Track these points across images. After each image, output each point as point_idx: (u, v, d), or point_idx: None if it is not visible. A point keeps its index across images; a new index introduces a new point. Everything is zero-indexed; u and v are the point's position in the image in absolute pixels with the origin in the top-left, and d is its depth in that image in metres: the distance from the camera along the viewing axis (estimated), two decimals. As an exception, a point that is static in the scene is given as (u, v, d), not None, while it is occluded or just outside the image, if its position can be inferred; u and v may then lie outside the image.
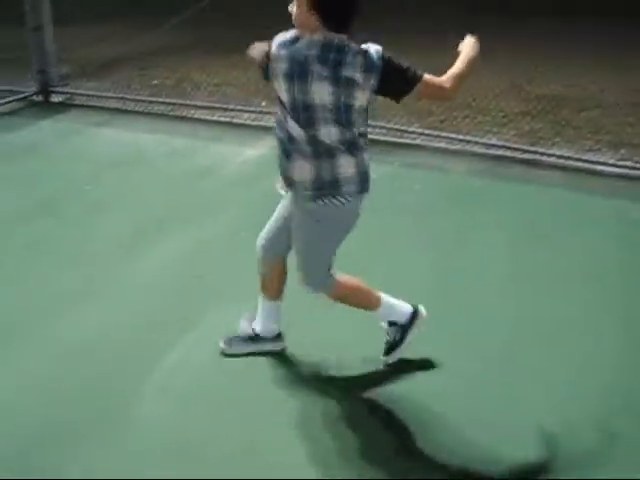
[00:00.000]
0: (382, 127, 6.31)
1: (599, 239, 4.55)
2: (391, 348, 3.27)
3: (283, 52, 2.75)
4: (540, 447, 2.83)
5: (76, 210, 4.98)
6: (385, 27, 6.33)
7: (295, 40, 2.75)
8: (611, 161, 5.82)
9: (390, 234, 4.51)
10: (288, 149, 2.84)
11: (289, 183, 2.95)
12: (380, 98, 2.84)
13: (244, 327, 3.45)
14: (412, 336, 3.24)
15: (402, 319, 3.23)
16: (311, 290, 3.14)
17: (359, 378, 3.28)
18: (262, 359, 3.37)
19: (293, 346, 3.43)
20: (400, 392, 3.16)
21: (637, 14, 9.11)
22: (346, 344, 3.41)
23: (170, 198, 5.14)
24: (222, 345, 3.39)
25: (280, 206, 3.17)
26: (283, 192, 3.08)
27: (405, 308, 3.26)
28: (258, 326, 3.41)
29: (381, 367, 3.30)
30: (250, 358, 3.36)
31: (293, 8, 2.74)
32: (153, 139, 6.48)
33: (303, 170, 2.84)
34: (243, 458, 2.78)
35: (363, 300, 3.22)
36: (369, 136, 2.95)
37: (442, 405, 3.05)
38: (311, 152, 2.80)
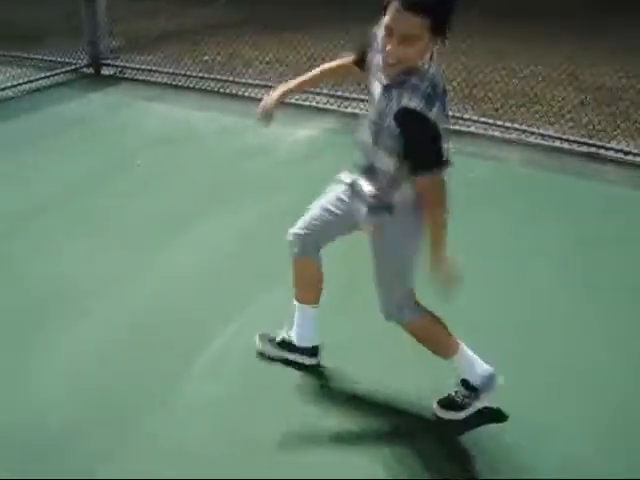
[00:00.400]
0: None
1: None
2: (451, 407, 2.88)
3: None
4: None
5: (125, 185, 4.94)
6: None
7: None
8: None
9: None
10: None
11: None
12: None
13: (285, 332, 3.16)
14: (478, 407, 2.87)
15: (477, 381, 2.82)
16: (396, 319, 2.76)
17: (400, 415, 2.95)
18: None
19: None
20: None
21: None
22: (397, 378, 3.09)
23: (219, 177, 5.08)
24: (257, 340, 3.21)
25: (331, 200, 2.79)
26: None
27: (482, 369, 2.82)
28: (294, 333, 3.12)
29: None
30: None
31: (403, 51, 2.20)
32: (204, 116, 6.42)
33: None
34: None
35: (442, 344, 2.82)
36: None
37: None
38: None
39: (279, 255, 3.93)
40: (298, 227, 2.87)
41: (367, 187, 2.57)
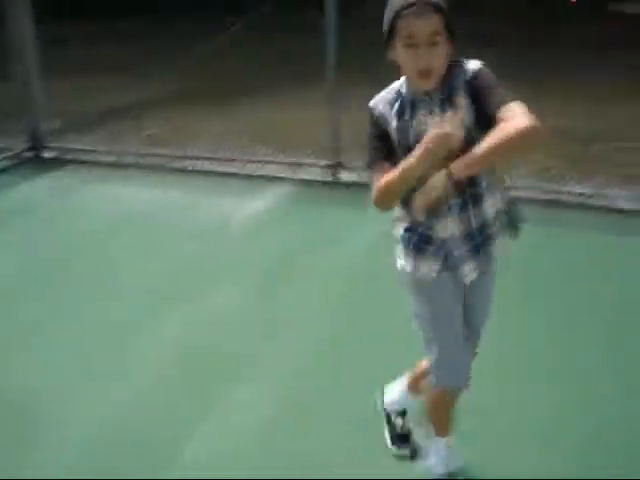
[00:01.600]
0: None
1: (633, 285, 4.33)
2: None
3: None
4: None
5: (80, 273, 4.71)
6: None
7: None
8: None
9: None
10: (479, 191, 2.30)
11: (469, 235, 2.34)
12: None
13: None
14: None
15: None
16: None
17: None
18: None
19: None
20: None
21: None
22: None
23: (173, 260, 4.85)
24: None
25: (448, 307, 2.45)
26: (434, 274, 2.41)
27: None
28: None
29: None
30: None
31: (434, 54, 2.14)
32: (153, 194, 6.23)
33: (495, 204, 2.36)
34: None
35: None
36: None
37: None
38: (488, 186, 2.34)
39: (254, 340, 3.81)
40: (456, 371, 2.50)
41: (489, 211, 2.35)
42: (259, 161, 6.72)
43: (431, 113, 2.21)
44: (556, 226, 5.13)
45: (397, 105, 2.28)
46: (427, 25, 2.10)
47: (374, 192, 2.27)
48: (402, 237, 2.44)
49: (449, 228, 2.31)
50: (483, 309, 2.53)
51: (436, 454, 2.69)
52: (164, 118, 8.21)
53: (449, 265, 2.36)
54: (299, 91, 8.93)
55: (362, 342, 3.75)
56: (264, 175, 6.54)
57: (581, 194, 5.73)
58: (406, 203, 2.32)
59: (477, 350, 2.57)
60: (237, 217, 5.59)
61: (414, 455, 2.90)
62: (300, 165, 6.57)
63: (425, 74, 2.15)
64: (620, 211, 5.55)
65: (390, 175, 2.20)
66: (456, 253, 2.35)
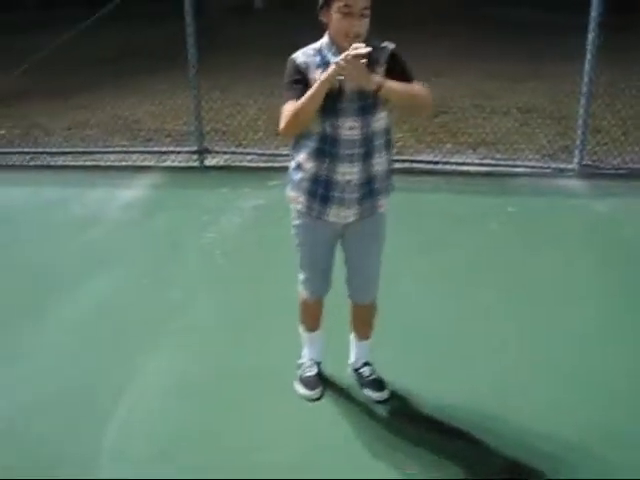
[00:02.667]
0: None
1: (483, 237, 4.91)
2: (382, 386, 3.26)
3: None
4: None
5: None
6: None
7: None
8: (476, 161, 6.22)
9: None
10: (370, 146, 2.80)
11: (355, 190, 2.84)
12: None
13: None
14: None
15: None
16: (373, 302, 3.19)
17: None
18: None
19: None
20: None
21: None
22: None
23: (58, 253, 4.87)
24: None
25: (322, 246, 3.04)
26: (347, 219, 2.92)
27: None
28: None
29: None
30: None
31: (362, 23, 2.64)
32: (21, 192, 6.15)
33: (382, 164, 2.87)
34: None
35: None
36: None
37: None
38: (385, 144, 2.87)
39: (150, 319, 3.98)
40: (315, 287, 3.17)
41: (379, 167, 2.86)
42: (123, 152, 6.76)
43: None
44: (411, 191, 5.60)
45: (318, 59, 2.74)
46: (362, 1, 2.61)
47: (282, 120, 2.71)
48: (297, 179, 2.92)
49: (347, 174, 2.81)
50: (360, 251, 3.05)
51: (304, 342, 3.37)
52: (13, 116, 8.03)
53: (332, 205, 2.87)
54: (155, 81, 9.03)
55: (251, 303, 4.10)
56: (129, 166, 6.62)
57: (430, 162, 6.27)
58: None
59: (367, 283, 3.13)
60: (112, 207, 5.67)
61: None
62: (164, 153, 6.70)
63: (352, 39, 2.61)
64: (466, 173, 6.17)
65: (300, 100, 2.66)
66: (346, 196, 2.85)
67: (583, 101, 5.99)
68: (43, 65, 6.99)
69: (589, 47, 5.81)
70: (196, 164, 6.53)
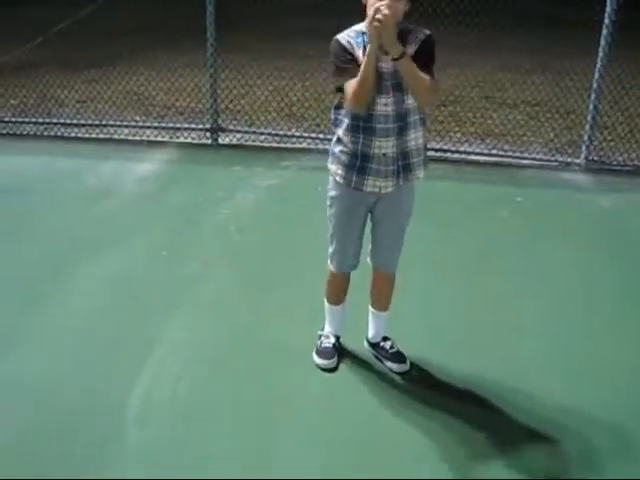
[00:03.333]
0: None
1: (492, 225, 5.02)
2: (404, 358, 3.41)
3: None
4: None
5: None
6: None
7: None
8: (485, 151, 6.33)
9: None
10: (405, 122, 2.94)
11: (391, 164, 2.98)
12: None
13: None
14: None
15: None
16: (394, 273, 3.33)
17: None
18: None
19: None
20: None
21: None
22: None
23: (73, 225, 4.94)
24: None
25: (355, 217, 3.16)
26: (386, 190, 3.03)
27: None
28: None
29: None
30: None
31: (393, 4, 2.72)
32: (35, 162, 6.22)
33: (417, 139, 3.00)
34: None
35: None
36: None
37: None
38: (419, 121, 3.01)
39: (169, 289, 4.08)
40: (348, 259, 3.30)
41: (414, 142, 3.00)
42: (138, 127, 6.83)
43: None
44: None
45: (360, 40, 2.89)
46: None
47: (348, 95, 2.85)
48: (337, 152, 3.07)
49: (383, 147, 2.94)
50: (389, 223, 3.19)
51: (326, 315, 3.49)
52: (27, 86, 8.07)
53: (370, 177, 3.00)
54: (170, 57, 9.08)
55: (267, 279, 4.21)
56: (142, 140, 6.69)
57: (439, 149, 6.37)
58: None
59: (391, 253, 3.29)
60: (126, 180, 5.75)
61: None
62: (178, 129, 6.77)
63: (384, 14, 2.69)
64: (475, 163, 6.28)
65: (357, 77, 2.80)
66: (382, 168, 2.98)
67: (593, 97, 6.09)
68: (58, 36, 7.08)
69: (602, 43, 5.90)
70: (209, 141, 6.61)
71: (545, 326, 3.79)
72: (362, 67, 2.79)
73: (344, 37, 2.92)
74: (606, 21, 5.82)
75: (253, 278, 4.23)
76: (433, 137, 6.68)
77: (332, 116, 3.07)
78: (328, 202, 3.19)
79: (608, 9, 5.79)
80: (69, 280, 4.17)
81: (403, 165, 3.00)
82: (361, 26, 2.90)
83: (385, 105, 2.89)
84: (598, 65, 5.96)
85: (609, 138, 6.67)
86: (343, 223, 3.18)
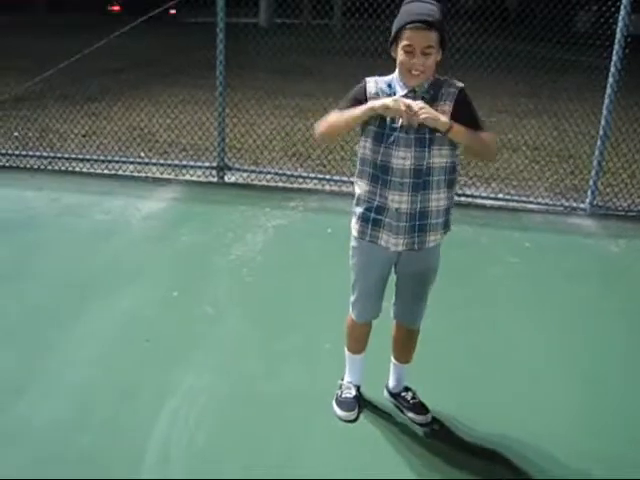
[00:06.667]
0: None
1: (504, 271, 5.02)
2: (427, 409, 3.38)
3: None
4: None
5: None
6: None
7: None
8: (492, 195, 6.36)
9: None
10: (425, 180, 2.86)
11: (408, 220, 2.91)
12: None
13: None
14: None
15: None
16: (418, 328, 3.29)
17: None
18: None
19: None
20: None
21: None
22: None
23: (84, 264, 4.86)
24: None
25: (375, 269, 3.11)
26: (397, 248, 2.97)
27: None
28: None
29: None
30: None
31: (425, 61, 2.73)
32: (40, 196, 6.15)
33: (440, 200, 2.92)
34: None
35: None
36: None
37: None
38: (446, 182, 2.92)
39: (181, 331, 4.02)
40: (367, 311, 3.25)
41: (436, 203, 2.92)
42: (143, 163, 6.81)
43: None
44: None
45: (387, 91, 2.87)
46: (423, 39, 2.71)
47: (320, 125, 2.95)
48: (356, 208, 3.05)
49: (396, 201, 2.89)
50: (412, 282, 3.12)
51: (346, 363, 3.45)
52: (28, 118, 8.05)
53: (383, 230, 2.96)
54: (170, 93, 9.09)
55: (281, 324, 4.15)
56: (148, 177, 6.68)
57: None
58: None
59: (416, 310, 3.23)
60: (135, 218, 5.70)
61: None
62: (184, 167, 6.75)
63: (414, 75, 2.76)
64: (481, 207, 6.31)
65: (339, 112, 2.88)
66: (393, 223, 2.92)
67: (599, 143, 6.15)
68: (59, 70, 7.05)
69: (608, 91, 5.97)
70: (215, 179, 6.60)
71: (558, 372, 3.77)
72: (356, 110, 2.80)
73: (372, 84, 2.90)
74: (612, 69, 5.91)
75: (267, 322, 4.17)
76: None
77: (356, 168, 3.04)
78: (350, 252, 3.15)
79: (614, 57, 5.87)
80: (77, 323, 4.07)
81: (420, 225, 2.92)
82: (392, 76, 2.89)
83: (403, 159, 2.82)
84: (604, 112, 6.03)
85: (614, 183, 6.73)
86: (364, 274, 3.13)
